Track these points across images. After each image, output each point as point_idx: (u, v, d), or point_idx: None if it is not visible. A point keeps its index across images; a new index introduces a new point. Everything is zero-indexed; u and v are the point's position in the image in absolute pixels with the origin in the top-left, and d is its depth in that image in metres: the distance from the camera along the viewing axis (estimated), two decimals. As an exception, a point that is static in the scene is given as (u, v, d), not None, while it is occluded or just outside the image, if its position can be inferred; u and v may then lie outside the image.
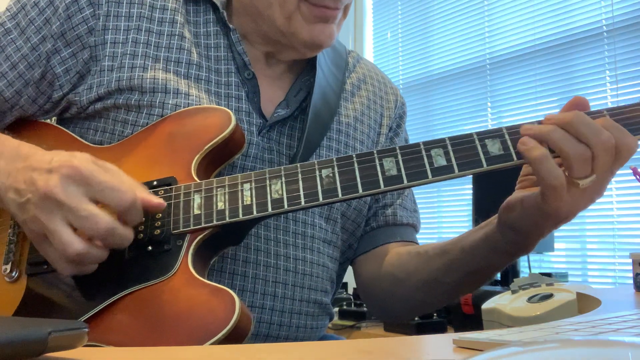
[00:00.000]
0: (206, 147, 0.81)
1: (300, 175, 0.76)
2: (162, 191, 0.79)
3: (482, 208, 2.13)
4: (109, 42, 0.89)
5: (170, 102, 0.87)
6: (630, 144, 0.69)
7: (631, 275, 0.91)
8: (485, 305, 1.30)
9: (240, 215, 0.75)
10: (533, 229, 0.76)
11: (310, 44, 0.90)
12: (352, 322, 2.04)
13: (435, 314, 1.85)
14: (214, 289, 0.70)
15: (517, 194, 0.77)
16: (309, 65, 0.98)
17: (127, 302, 0.73)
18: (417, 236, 1.07)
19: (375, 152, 0.75)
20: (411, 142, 0.77)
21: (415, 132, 2.91)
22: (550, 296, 1.20)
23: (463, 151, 0.73)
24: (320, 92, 0.96)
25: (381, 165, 0.74)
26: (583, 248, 2.32)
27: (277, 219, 0.89)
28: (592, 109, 0.74)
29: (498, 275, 2.12)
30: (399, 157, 0.74)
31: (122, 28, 0.90)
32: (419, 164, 0.73)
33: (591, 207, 0.74)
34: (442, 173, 0.73)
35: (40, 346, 0.40)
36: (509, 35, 2.57)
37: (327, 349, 0.56)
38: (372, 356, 0.48)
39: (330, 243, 0.96)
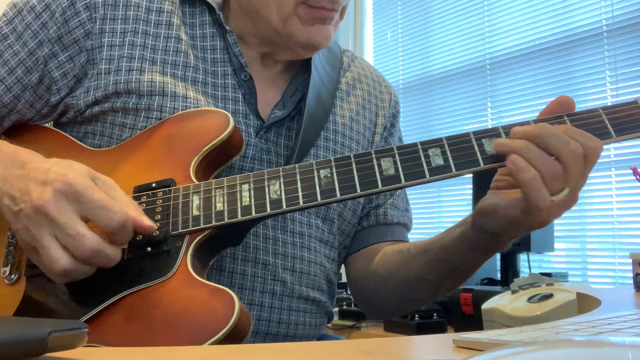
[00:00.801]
0: (205, 149, 0.81)
1: (298, 175, 0.76)
2: (161, 192, 0.79)
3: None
4: (105, 45, 0.89)
5: (168, 105, 0.87)
6: (596, 148, 0.70)
7: (631, 275, 0.91)
8: (485, 305, 1.30)
9: (239, 216, 0.75)
10: (505, 233, 0.77)
11: (306, 45, 0.90)
12: (352, 322, 2.04)
13: (435, 314, 1.85)
14: (213, 289, 0.70)
15: (492, 199, 0.77)
16: (305, 66, 0.98)
17: (126, 303, 0.73)
18: (417, 236, 1.07)
19: (373, 152, 0.76)
20: (410, 142, 0.77)
21: (415, 132, 2.91)
22: (550, 296, 1.20)
23: (460, 150, 0.74)
24: (315, 92, 0.96)
25: (379, 165, 0.74)
26: (583, 248, 2.32)
27: (275, 218, 0.90)
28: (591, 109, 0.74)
29: (498, 275, 2.12)
30: (397, 157, 0.74)
31: (118, 31, 0.90)
32: (417, 163, 0.73)
33: (591, 207, 0.75)
34: (440, 172, 0.73)
35: (40, 346, 0.40)
36: (509, 35, 2.56)
37: (327, 349, 0.56)
38: (372, 356, 0.48)
39: (327, 243, 0.96)
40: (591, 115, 0.73)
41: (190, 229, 0.76)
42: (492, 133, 0.74)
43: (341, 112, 1.01)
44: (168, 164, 0.82)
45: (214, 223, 0.75)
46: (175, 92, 0.88)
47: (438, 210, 2.85)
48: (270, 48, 0.95)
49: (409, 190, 1.10)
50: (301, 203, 0.75)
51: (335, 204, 0.96)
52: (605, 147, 0.72)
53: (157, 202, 0.78)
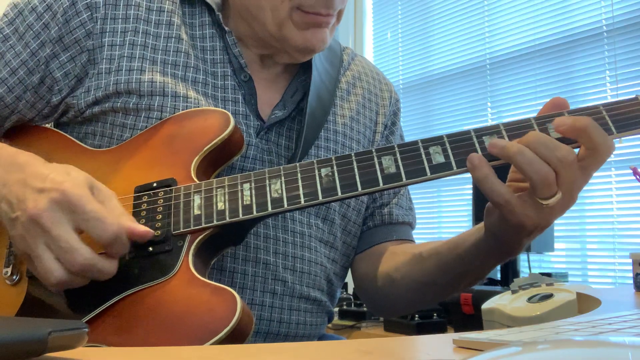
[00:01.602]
0: (205, 149, 0.81)
1: (299, 174, 0.76)
2: (162, 192, 0.79)
3: (482, 208, 2.13)
4: (106, 45, 0.89)
5: (168, 105, 0.87)
6: (610, 146, 0.69)
7: (631, 275, 0.91)
8: (485, 305, 1.30)
9: (241, 215, 0.75)
10: (509, 236, 0.77)
11: (302, 49, 0.90)
12: (352, 322, 2.04)
13: (435, 314, 1.85)
14: (215, 288, 0.70)
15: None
16: (305, 66, 0.98)
17: (128, 302, 0.73)
18: (417, 236, 1.08)
19: (373, 150, 0.76)
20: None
21: (415, 132, 2.91)
22: (550, 296, 1.20)
23: (461, 148, 0.74)
24: (316, 92, 0.96)
25: (380, 163, 0.74)
26: (583, 248, 2.32)
27: (276, 217, 0.90)
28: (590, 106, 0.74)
29: (498, 275, 2.12)
30: (398, 155, 0.74)
31: (119, 30, 0.90)
32: (418, 161, 0.73)
33: (591, 207, 0.75)
34: (441, 170, 0.73)
35: (40, 346, 0.40)
36: (509, 35, 2.57)
37: (327, 349, 0.56)
38: (372, 356, 0.48)
39: (327, 243, 0.96)
40: (592, 111, 0.73)
41: (192, 228, 0.76)
42: (493, 130, 0.74)
43: (341, 111, 1.01)
44: (169, 163, 0.82)
45: (215, 222, 0.75)
46: (175, 92, 0.88)
47: (438, 210, 2.85)
48: (269, 51, 0.95)
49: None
50: (302, 202, 0.75)
51: (338, 205, 0.96)
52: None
53: (159, 202, 0.78)
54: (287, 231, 0.91)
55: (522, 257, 2.08)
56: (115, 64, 0.88)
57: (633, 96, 0.74)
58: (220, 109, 0.85)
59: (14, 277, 0.80)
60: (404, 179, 0.73)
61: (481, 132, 0.74)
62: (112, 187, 0.75)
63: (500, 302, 1.28)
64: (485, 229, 0.80)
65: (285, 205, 0.75)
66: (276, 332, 0.89)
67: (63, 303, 0.76)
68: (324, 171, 0.75)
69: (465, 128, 0.75)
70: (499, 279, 2.09)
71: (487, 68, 2.65)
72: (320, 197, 0.74)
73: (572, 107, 0.76)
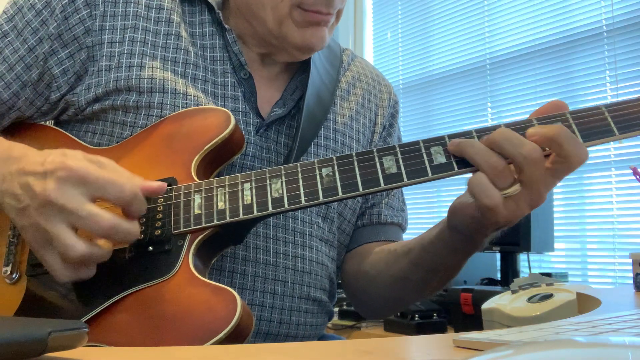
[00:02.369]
0: (206, 148, 0.81)
1: (300, 174, 0.76)
2: (162, 191, 0.79)
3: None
4: (106, 42, 0.89)
5: (168, 102, 0.87)
6: (582, 155, 0.68)
7: (631, 275, 0.92)
8: (485, 305, 1.30)
9: (241, 215, 0.75)
10: (474, 232, 0.77)
11: (301, 47, 0.91)
12: (352, 322, 2.04)
13: (435, 314, 1.85)
14: (215, 288, 0.70)
15: (461, 197, 0.77)
16: (305, 64, 0.98)
17: (128, 302, 0.73)
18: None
19: (375, 150, 0.75)
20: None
21: (416, 132, 2.91)
22: (550, 296, 1.19)
23: None
24: (315, 91, 0.96)
25: (381, 163, 0.74)
26: (583, 248, 2.32)
27: (276, 217, 0.90)
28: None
29: (498, 275, 2.12)
30: (399, 155, 0.74)
31: (118, 27, 0.90)
32: (419, 161, 0.73)
33: (591, 207, 0.75)
34: (442, 170, 0.73)
35: (40, 346, 0.40)
36: (509, 35, 2.57)
37: (327, 349, 0.56)
38: (372, 356, 0.48)
39: (327, 242, 0.96)
40: (593, 112, 0.72)
41: (192, 228, 0.76)
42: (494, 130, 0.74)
43: (341, 111, 1.01)
44: (169, 162, 0.82)
45: (215, 222, 0.75)
46: (175, 89, 0.88)
47: (438, 210, 2.85)
48: (268, 49, 0.95)
49: (408, 191, 1.10)
50: (303, 202, 0.75)
51: (335, 203, 0.96)
52: (605, 146, 0.71)
53: (159, 201, 0.78)
54: (287, 230, 0.91)
55: (522, 257, 2.08)
56: (115, 61, 0.88)
57: (635, 96, 0.74)
58: (220, 108, 0.85)
59: (14, 275, 0.80)
60: (405, 179, 0.73)
61: (482, 133, 0.74)
62: None
63: (500, 302, 1.28)
64: (449, 225, 0.79)
65: (286, 205, 0.75)
66: (276, 333, 0.89)
67: (63, 302, 0.76)
68: (324, 171, 0.75)
69: (466, 128, 0.75)
70: (499, 279, 2.09)
71: (487, 68, 2.65)
72: (321, 197, 0.74)
73: (572, 107, 0.75)
